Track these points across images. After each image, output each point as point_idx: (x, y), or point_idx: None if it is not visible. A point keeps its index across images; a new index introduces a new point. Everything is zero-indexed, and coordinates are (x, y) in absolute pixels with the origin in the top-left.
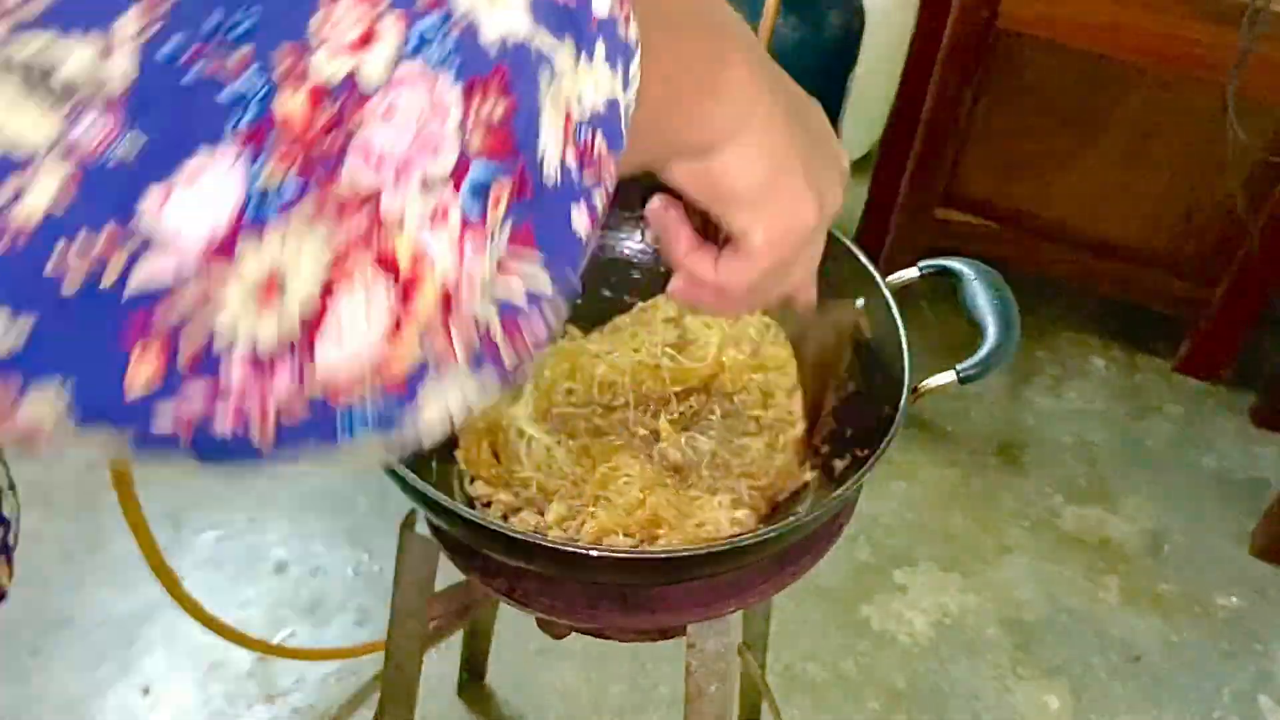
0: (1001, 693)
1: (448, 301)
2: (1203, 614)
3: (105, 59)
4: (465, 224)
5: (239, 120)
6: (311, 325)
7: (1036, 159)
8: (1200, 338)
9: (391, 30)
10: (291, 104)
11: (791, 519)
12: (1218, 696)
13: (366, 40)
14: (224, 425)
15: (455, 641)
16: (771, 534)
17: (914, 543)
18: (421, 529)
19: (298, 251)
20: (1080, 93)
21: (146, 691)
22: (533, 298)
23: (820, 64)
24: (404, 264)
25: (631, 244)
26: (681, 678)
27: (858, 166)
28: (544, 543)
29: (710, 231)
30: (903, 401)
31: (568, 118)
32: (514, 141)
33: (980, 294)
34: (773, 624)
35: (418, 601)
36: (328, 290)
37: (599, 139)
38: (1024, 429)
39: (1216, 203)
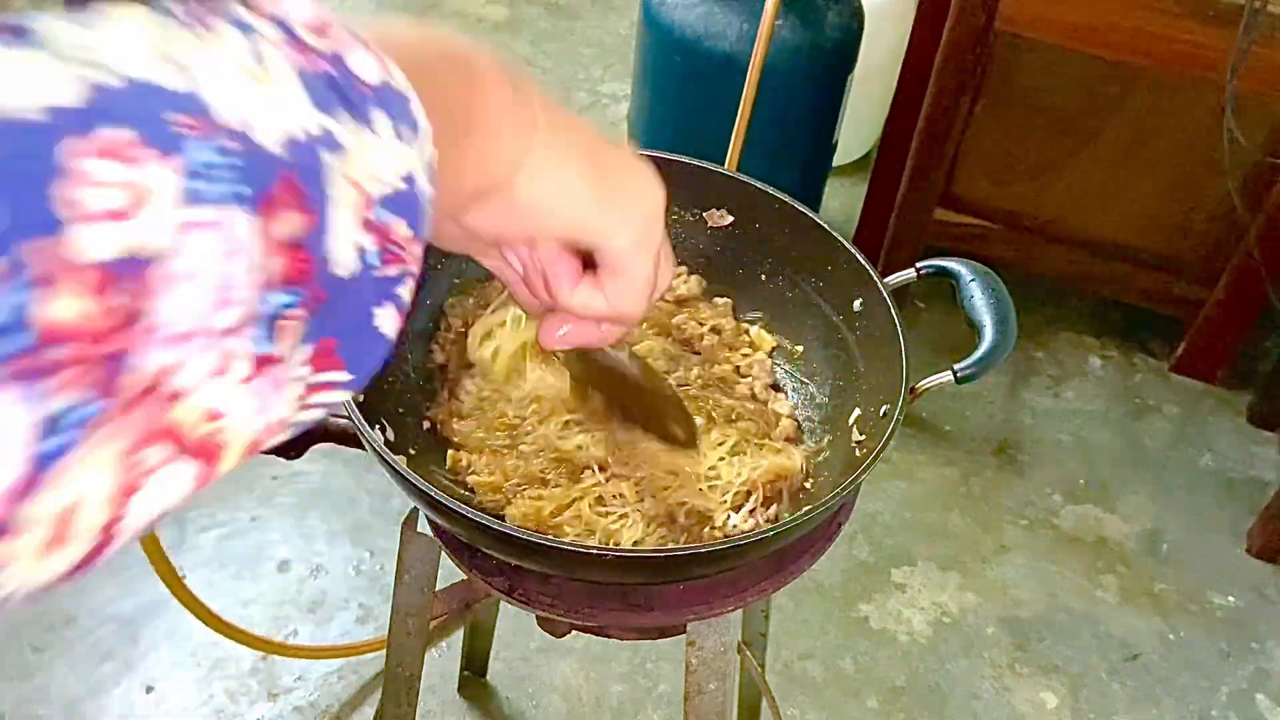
0: (1000, 691)
1: (253, 449)
2: (1200, 613)
3: None
4: (255, 361)
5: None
6: (104, 538)
7: (1034, 160)
8: (1197, 338)
9: (162, 179)
10: (62, 309)
11: (791, 518)
12: (1215, 695)
13: (137, 201)
14: None
15: (456, 639)
16: (770, 533)
17: (913, 542)
18: (423, 528)
19: (95, 472)
20: (1078, 94)
21: (149, 689)
22: (330, 408)
23: (819, 66)
24: (194, 434)
25: None
26: (681, 676)
27: (856, 167)
28: (544, 541)
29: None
30: (901, 401)
31: (363, 198)
32: (311, 261)
33: (978, 294)
34: (772, 622)
35: (419, 600)
36: (125, 494)
37: (398, 223)
38: (1022, 429)
39: (1214, 203)
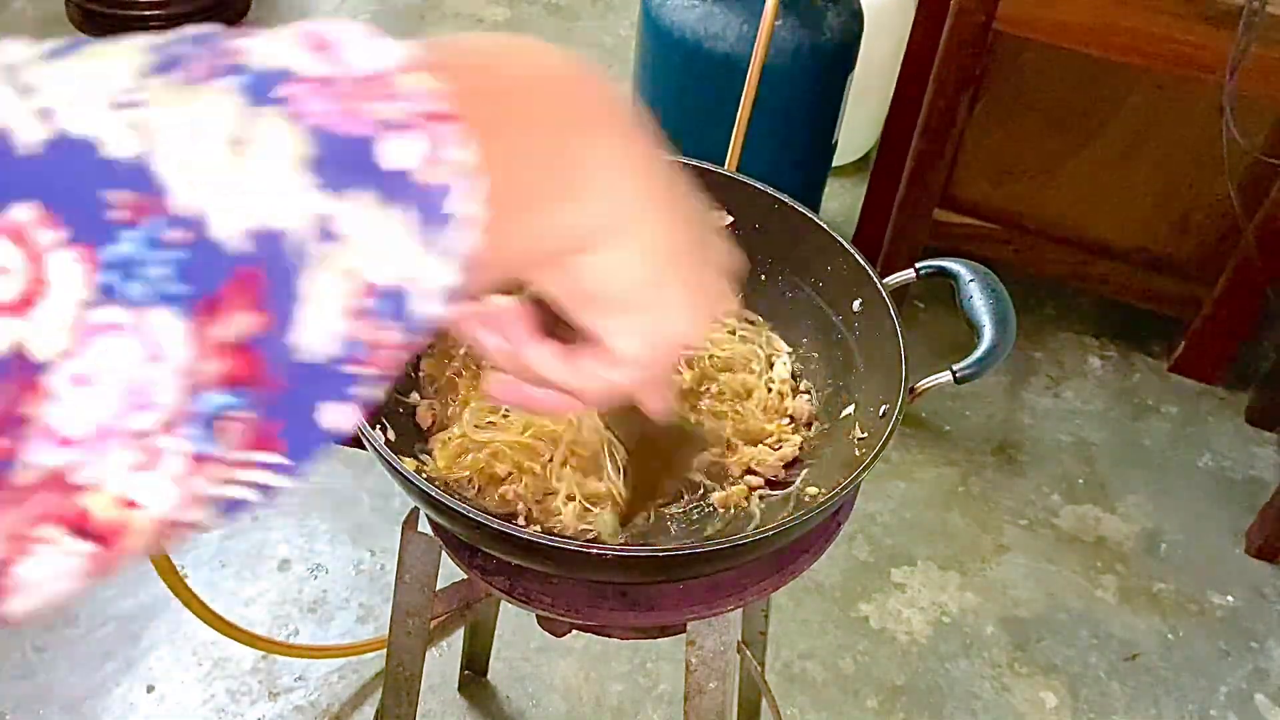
0: (999, 691)
1: (164, 528)
2: (1199, 613)
3: None
4: (192, 460)
5: None
6: None
7: (1033, 160)
8: (1196, 338)
9: (68, 273)
10: None
11: (791, 518)
12: (1214, 695)
13: (30, 295)
14: None
15: (457, 639)
16: (770, 532)
17: (912, 542)
18: (423, 527)
19: None
20: (1077, 94)
21: (150, 688)
22: (267, 491)
23: (818, 66)
24: (101, 519)
25: None
26: (681, 675)
27: (856, 168)
28: (544, 541)
29: (559, 330)
30: (900, 401)
31: (358, 287)
32: (263, 362)
33: (977, 294)
34: (772, 622)
35: (420, 599)
36: (4, 565)
37: (390, 326)
38: (1021, 429)
39: (1212, 203)
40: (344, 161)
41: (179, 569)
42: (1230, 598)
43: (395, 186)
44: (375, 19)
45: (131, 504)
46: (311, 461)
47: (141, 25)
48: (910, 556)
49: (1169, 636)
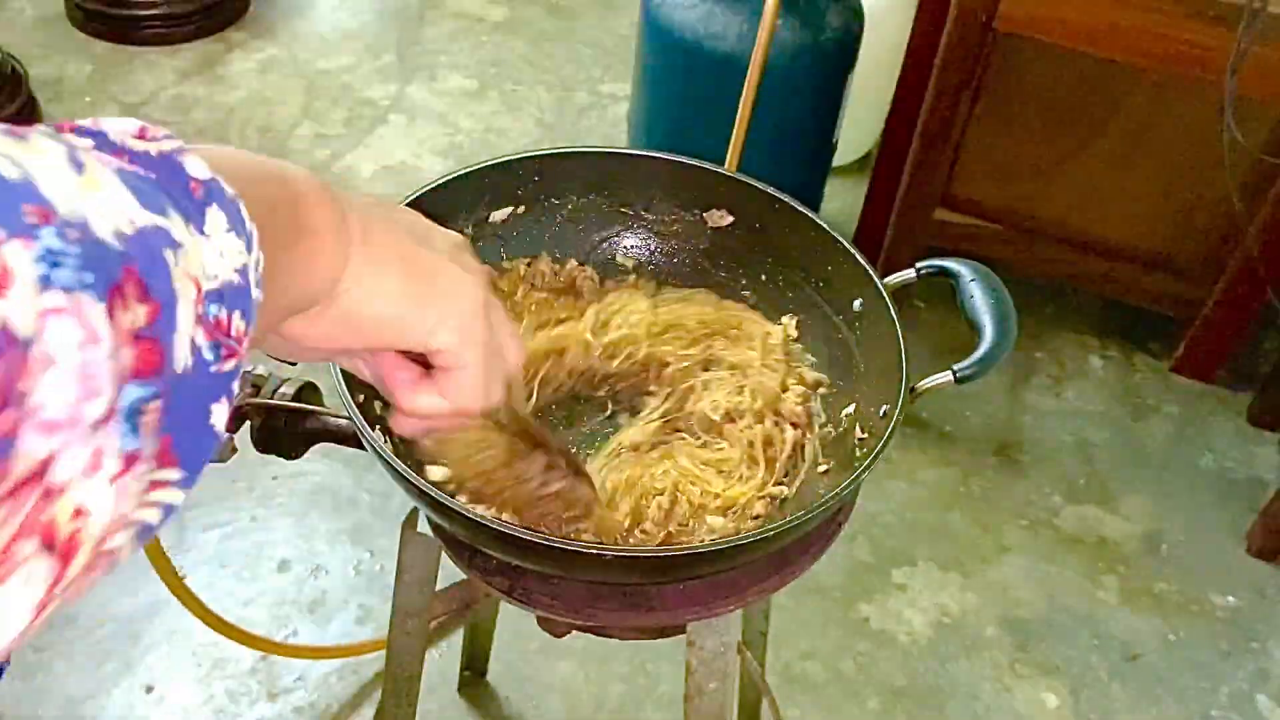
0: (1000, 691)
1: (97, 552)
2: (1200, 613)
3: None
4: (124, 459)
5: None
6: None
7: (1034, 160)
8: (1197, 338)
9: (21, 261)
10: None
11: (791, 518)
12: (1215, 695)
13: (2, 280)
14: None
15: (456, 639)
16: (770, 533)
17: (913, 542)
18: (423, 528)
19: None
20: (1078, 94)
21: (149, 689)
22: (167, 510)
23: (819, 66)
24: (64, 532)
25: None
26: (681, 676)
27: (856, 168)
28: (544, 541)
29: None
30: (900, 401)
31: (197, 293)
32: (163, 354)
33: (977, 294)
34: (772, 623)
35: (419, 600)
36: None
37: (235, 315)
38: (1022, 429)
39: (1213, 203)
40: (151, 188)
41: (178, 569)
42: (1232, 598)
43: (197, 197)
44: (375, 19)
45: (80, 512)
46: (204, 468)
47: (140, 25)
48: (911, 557)
49: (1170, 637)
